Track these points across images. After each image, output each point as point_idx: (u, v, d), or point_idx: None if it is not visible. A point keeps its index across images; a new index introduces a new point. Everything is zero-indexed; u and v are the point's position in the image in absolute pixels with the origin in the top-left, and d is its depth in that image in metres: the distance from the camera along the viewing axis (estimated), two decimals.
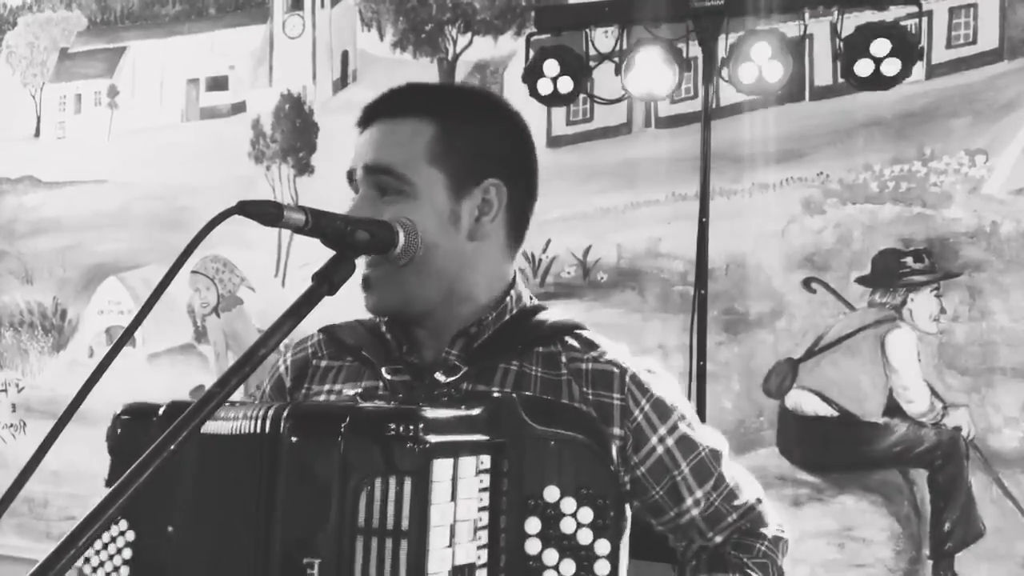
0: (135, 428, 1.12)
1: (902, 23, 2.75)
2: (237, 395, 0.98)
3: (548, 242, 3.37)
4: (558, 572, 1.01)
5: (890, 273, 3.03)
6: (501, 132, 1.26)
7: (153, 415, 1.08)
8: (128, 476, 0.76)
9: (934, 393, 2.97)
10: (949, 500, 2.95)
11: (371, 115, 1.24)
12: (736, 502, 1.25)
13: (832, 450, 3.09)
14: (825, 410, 3.09)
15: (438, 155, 1.18)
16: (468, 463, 0.95)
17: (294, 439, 0.96)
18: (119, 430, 1.13)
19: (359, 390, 1.22)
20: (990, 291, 2.91)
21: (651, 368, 1.24)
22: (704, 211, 2.67)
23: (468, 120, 1.23)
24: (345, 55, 3.83)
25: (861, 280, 3.07)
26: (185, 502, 1.04)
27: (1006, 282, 2.90)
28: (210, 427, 1.00)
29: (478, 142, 1.22)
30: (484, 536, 0.98)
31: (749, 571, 1.21)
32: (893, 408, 3.02)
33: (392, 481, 0.90)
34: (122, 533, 1.09)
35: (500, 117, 1.27)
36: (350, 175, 1.23)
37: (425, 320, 1.21)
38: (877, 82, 2.56)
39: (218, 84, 4.04)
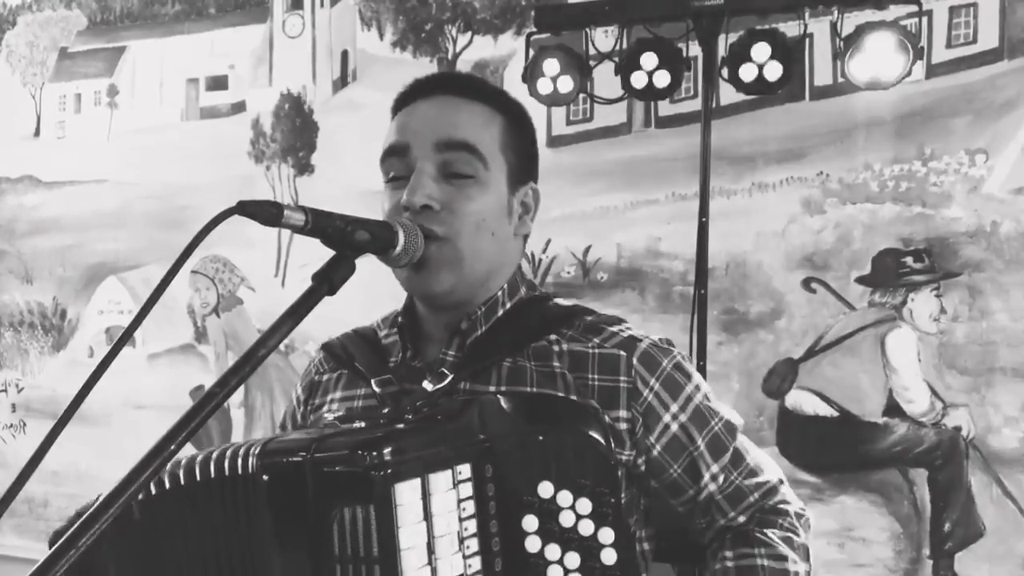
0: None
1: (902, 22, 2.75)
2: (237, 396, 0.98)
3: (548, 242, 3.37)
4: (563, 566, 1.01)
5: (890, 273, 3.03)
6: (535, 142, 1.31)
7: None
8: (129, 476, 0.76)
9: (934, 393, 2.97)
10: (949, 500, 2.95)
11: (430, 89, 1.22)
12: (757, 480, 1.23)
13: (832, 450, 3.09)
14: (825, 410, 3.09)
15: (506, 145, 1.21)
16: (441, 478, 0.96)
17: (265, 477, 0.98)
18: None
19: (340, 413, 1.23)
20: (990, 291, 2.91)
21: (658, 342, 1.21)
22: (704, 211, 2.66)
23: (523, 123, 1.27)
24: (345, 54, 3.83)
25: (861, 280, 3.06)
26: (171, 552, 1.05)
27: (1006, 282, 2.90)
28: (184, 473, 1.03)
29: (528, 145, 1.27)
30: (475, 544, 0.98)
31: (773, 545, 1.18)
32: (893, 408, 3.02)
33: (359, 510, 0.92)
34: None
35: (535, 129, 1.31)
36: (396, 150, 1.19)
37: (456, 307, 1.21)
38: (877, 82, 2.56)
39: (218, 84, 4.04)
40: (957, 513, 2.94)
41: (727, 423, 1.23)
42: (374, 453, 0.91)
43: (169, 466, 1.05)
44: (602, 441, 1.06)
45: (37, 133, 4.36)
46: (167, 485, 1.05)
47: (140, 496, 1.04)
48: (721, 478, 1.21)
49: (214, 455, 1.03)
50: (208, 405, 0.81)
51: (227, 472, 1.00)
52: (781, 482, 1.26)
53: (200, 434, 0.90)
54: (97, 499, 1.11)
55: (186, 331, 4.01)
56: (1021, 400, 2.88)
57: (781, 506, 1.24)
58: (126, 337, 0.89)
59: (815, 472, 3.09)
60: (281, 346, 3.66)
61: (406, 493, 0.92)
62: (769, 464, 1.27)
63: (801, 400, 3.12)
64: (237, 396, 3.78)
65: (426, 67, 3.63)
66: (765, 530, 1.20)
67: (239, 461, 1.00)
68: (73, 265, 4.24)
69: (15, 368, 4.35)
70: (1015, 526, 2.87)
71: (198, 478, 1.03)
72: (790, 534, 1.21)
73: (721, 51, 2.62)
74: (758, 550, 1.17)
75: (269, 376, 3.81)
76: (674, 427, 1.18)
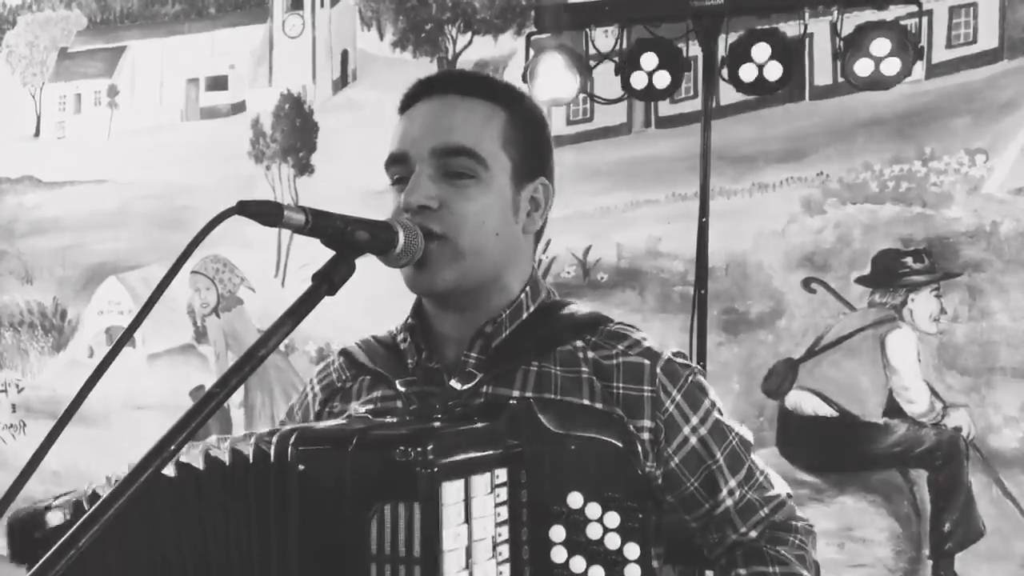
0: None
1: (902, 22, 2.75)
2: (237, 396, 0.97)
3: (548, 242, 3.36)
4: None
5: (890, 273, 3.03)
6: (548, 135, 1.28)
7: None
8: (129, 476, 0.76)
9: (934, 393, 2.97)
10: (949, 500, 2.95)
11: (431, 89, 1.21)
12: (767, 494, 1.23)
13: (832, 450, 3.09)
14: (825, 410, 3.09)
15: (509, 141, 1.19)
16: (482, 480, 0.93)
17: (301, 467, 0.94)
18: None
19: (371, 406, 1.20)
20: (990, 291, 2.91)
21: (675, 356, 1.21)
22: (704, 211, 2.66)
23: (530, 116, 1.25)
24: (345, 54, 3.83)
25: (861, 280, 3.07)
26: (201, 536, 1.01)
27: (1006, 282, 2.90)
28: (216, 454, 1.00)
29: (536, 139, 1.24)
30: (506, 551, 0.96)
31: (787, 562, 1.18)
32: (893, 408, 3.02)
33: (402, 507, 0.88)
34: None
35: (545, 122, 1.29)
36: (397, 159, 1.18)
37: (464, 306, 1.19)
38: (877, 82, 2.56)
39: (218, 84, 4.04)
40: (957, 513, 2.94)
41: (742, 439, 1.23)
42: (419, 448, 0.88)
43: (189, 449, 1.02)
44: (634, 454, 1.05)
45: (37, 133, 4.36)
46: (185, 468, 1.02)
47: (158, 481, 1.03)
48: (737, 493, 1.20)
49: (232, 440, 1.00)
50: (208, 405, 0.81)
51: (253, 459, 0.97)
52: (789, 496, 1.27)
53: (200, 434, 0.89)
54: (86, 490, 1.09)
55: (186, 331, 4.01)
56: (1021, 400, 2.88)
57: (790, 521, 1.24)
58: (126, 337, 0.89)
59: (815, 472, 3.09)
60: (281, 346, 3.66)
61: (451, 493, 0.90)
62: (777, 479, 1.27)
63: (801, 400, 3.12)
64: (237, 396, 3.78)
65: (426, 67, 3.63)
66: (778, 547, 1.20)
67: (271, 448, 0.96)
68: (73, 265, 4.24)
69: (15, 368, 4.35)
70: (1015, 526, 2.87)
71: (219, 462, 1.00)
72: (802, 551, 1.21)
73: (721, 51, 2.62)
74: (772, 568, 1.17)
75: (269, 376, 3.81)
76: (693, 440, 1.18)
